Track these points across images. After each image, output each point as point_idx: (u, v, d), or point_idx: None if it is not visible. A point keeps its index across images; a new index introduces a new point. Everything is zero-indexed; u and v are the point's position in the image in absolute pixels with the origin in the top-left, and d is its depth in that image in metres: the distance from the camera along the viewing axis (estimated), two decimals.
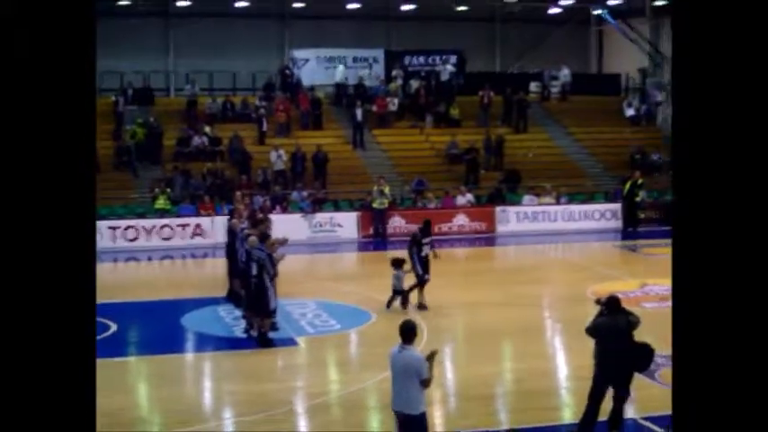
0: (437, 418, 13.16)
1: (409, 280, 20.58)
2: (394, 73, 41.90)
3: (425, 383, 10.44)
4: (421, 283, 20.54)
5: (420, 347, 13.32)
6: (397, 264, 20.49)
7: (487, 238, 32.17)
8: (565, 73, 44.39)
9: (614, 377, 12.38)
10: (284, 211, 31.92)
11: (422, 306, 20.38)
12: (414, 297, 20.56)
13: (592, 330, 12.63)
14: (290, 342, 17.95)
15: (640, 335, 12.49)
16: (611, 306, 12.62)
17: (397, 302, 20.39)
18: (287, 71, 40.95)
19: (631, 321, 12.47)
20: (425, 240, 20.87)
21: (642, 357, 12.49)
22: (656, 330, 18.80)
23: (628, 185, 33.15)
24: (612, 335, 12.37)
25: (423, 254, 20.68)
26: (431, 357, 10.52)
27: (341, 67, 41.27)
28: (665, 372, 15.65)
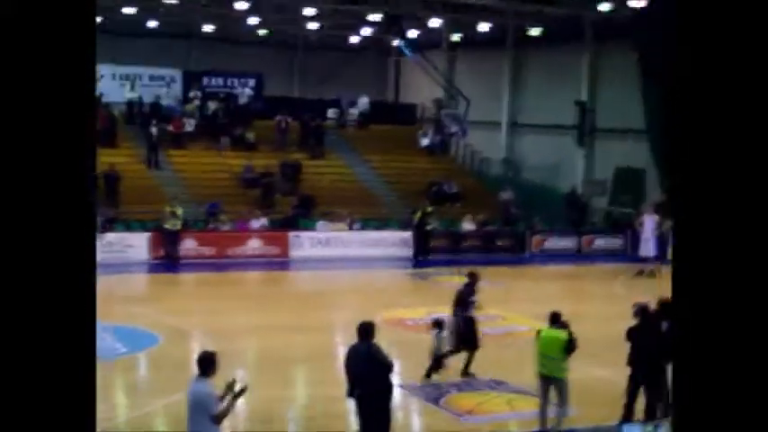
0: None
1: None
2: (191, 94, 41.46)
3: (216, 419, 10.09)
4: (457, 351, 17.39)
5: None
6: (439, 325, 17.14)
7: (281, 263, 32.15)
8: (363, 101, 45.02)
9: (364, 405, 12.47)
10: None
11: (467, 374, 17.29)
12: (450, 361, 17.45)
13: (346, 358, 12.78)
14: None
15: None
16: (362, 333, 12.75)
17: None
18: None
19: (372, 351, 12.57)
20: (473, 298, 17.59)
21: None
22: None
23: (418, 214, 33.77)
24: (357, 360, 12.51)
25: (467, 313, 17.47)
26: (229, 388, 10.16)
27: (128, 86, 40.50)
28: (449, 399, 16.03)
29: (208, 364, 10.18)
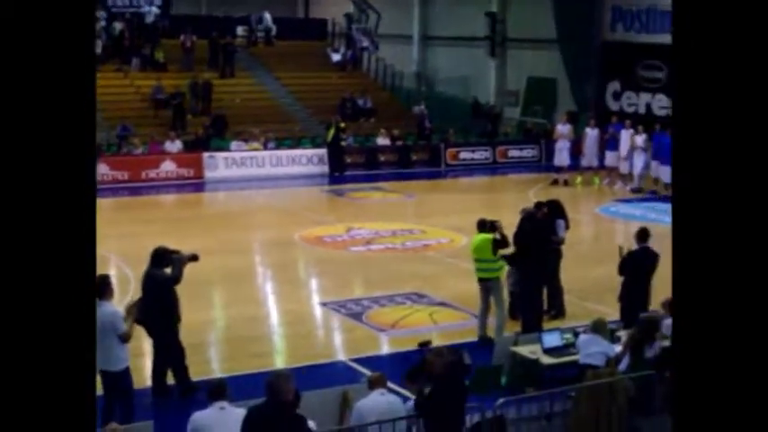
0: (144, 370, 12.90)
1: None
2: (97, 14, 40.37)
3: (124, 338, 10.27)
4: None
5: (127, 299, 13.08)
6: None
7: (196, 185, 31.76)
8: (266, 17, 44.12)
9: (152, 331, 12.42)
10: None
11: None
12: None
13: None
14: None
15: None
16: (155, 259, 12.71)
17: None
18: None
19: (169, 275, 12.49)
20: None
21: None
22: (362, 273, 19.43)
23: (332, 130, 33.54)
24: (153, 287, 12.44)
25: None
26: (129, 312, 10.31)
27: None
28: (371, 314, 16.13)
29: (103, 287, 10.33)
